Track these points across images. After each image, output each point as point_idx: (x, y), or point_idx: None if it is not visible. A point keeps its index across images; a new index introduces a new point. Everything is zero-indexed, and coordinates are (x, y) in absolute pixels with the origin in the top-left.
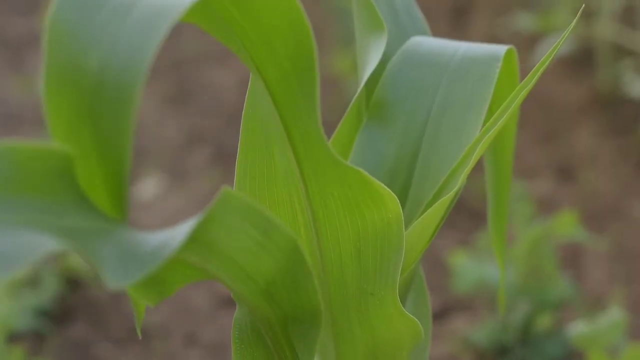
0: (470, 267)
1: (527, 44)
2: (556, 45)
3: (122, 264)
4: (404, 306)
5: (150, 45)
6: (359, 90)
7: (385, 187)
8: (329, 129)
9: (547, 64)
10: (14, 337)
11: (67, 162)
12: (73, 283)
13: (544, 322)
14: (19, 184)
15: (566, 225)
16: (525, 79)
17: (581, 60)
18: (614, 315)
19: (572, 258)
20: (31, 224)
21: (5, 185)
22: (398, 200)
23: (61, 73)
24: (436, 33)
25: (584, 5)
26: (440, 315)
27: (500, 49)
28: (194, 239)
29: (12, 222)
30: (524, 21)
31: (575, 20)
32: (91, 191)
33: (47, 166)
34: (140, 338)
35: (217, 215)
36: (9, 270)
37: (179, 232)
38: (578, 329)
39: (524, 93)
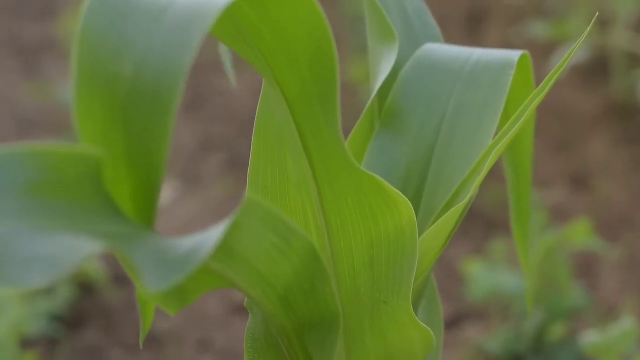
0: (484, 276)
1: (541, 52)
2: (570, 52)
3: (158, 268)
4: (416, 314)
5: (187, 50)
6: (370, 98)
7: (400, 193)
8: (344, 135)
9: (561, 71)
10: (27, 343)
11: (96, 166)
12: (86, 289)
13: (557, 331)
14: (50, 188)
15: (579, 234)
16: (539, 86)
17: (595, 69)
18: (627, 325)
19: (585, 267)
20: (67, 229)
21: (38, 190)
22: (412, 207)
23: (93, 78)
24: (451, 41)
25: (597, 13)
26: (454, 323)
27: (514, 55)
28: (218, 245)
29: (50, 226)
30: (539, 29)
31: (588, 28)
32: (116, 195)
33: (76, 170)
34: (142, 345)
35: (239, 220)
36: (57, 272)
37: (209, 237)
38: (591, 338)
39: (537, 100)
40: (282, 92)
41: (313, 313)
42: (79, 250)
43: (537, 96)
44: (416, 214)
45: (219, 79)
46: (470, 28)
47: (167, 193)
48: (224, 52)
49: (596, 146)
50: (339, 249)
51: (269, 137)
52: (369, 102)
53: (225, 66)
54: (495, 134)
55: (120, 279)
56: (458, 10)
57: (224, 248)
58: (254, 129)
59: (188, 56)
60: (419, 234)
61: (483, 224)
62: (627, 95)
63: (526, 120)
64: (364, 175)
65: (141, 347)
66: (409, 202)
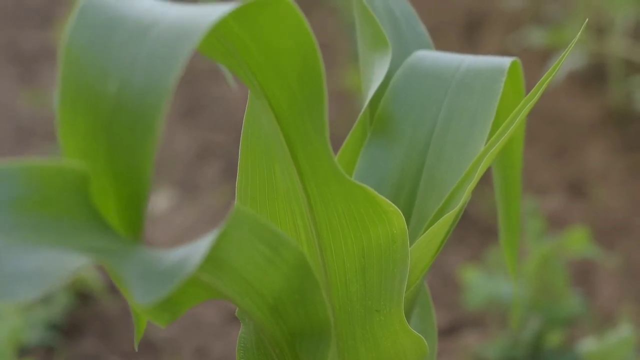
0: (481, 283)
1: (539, 59)
2: (561, 58)
3: (146, 282)
4: (409, 322)
5: (172, 69)
6: (364, 106)
7: (390, 202)
8: (339, 143)
9: (552, 76)
10: (24, 351)
11: (82, 181)
12: (83, 297)
13: (554, 338)
14: (37, 203)
15: (577, 242)
16: (530, 92)
17: (593, 76)
18: (624, 332)
19: (582, 274)
20: (55, 243)
21: (25, 205)
22: (403, 216)
23: (77, 95)
24: (449, 47)
25: (588, 19)
26: (451, 331)
27: (505, 61)
28: (207, 256)
29: (38, 241)
30: (537, 36)
31: (578, 35)
32: (103, 210)
33: (63, 185)
34: (137, 351)
35: (228, 232)
36: (45, 286)
37: (197, 249)
38: (588, 345)
39: (529, 106)
40: (270, 105)
41: (304, 323)
42: (67, 264)
43: (528, 103)
44: (409, 221)
45: (216, 87)
46: (468, 35)
47: (164, 201)
48: None
49: (593, 153)
50: (330, 258)
51: (257, 148)
52: (362, 110)
53: (222, 69)
54: (487, 141)
55: (117, 288)
56: (456, 16)
57: (213, 259)
58: (241, 140)
59: (173, 75)
60: (412, 241)
61: (480, 231)
62: (624, 103)
63: (516, 129)
64: (353, 185)
65: (136, 349)
66: (399, 211)
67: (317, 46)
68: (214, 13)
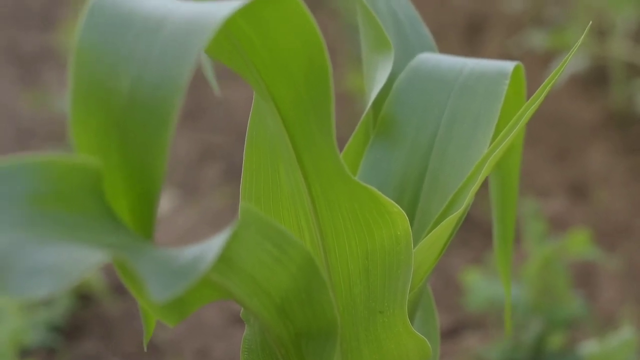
0: (483, 285)
1: (541, 62)
2: (563, 63)
3: (162, 278)
4: (412, 324)
5: (185, 64)
6: (366, 109)
7: (394, 203)
8: (341, 144)
9: (554, 80)
10: (25, 352)
11: (97, 177)
12: (84, 299)
13: (556, 340)
14: (51, 199)
15: (578, 244)
16: (533, 95)
17: (595, 79)
18: (626, 335)
19: (584, 277)
20: (70, 239)
21: (40, 201)
22: (407, 217)
23: (89, 93)
24: (450, 51)
25: (591, 22)
26: (453, 333)
27: (508, 65)
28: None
29: (53, 237)
30: (538, 39)
31: (582, 38)
32: (115, 207)
33: (77, 181)
34: (145, 351)
35: (237, 232)
36: (62, 283)
37: (211, 247)
38: (590, 348)
39: (531, 110)
40: (275, 105)
41: (310, 323)
42: (83, 261)
43: (530, 106)
44: (412, 224)
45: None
46: (469, 37)
47: (165, 203)
48: (206, 63)
49: (595, 156)
50: (334, 260)
51: (261, 148)
52: (365, 112)
53: (208, 76)
54: (490, 143)
55: (119, 289)
56: (457, 19)
57: (222, 259)
58: (245, 140)
59: (186, 71)
60: (415, 244)
61: (482, 233)
62: (626, 105)
63: (516, 137)
64: (358, 186)
65: (145, 349)
66: (403, 212)
67: (325, 46)
68: (224, 9)
